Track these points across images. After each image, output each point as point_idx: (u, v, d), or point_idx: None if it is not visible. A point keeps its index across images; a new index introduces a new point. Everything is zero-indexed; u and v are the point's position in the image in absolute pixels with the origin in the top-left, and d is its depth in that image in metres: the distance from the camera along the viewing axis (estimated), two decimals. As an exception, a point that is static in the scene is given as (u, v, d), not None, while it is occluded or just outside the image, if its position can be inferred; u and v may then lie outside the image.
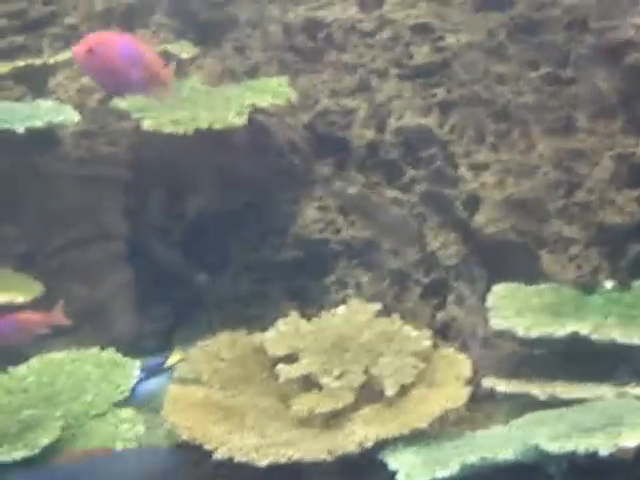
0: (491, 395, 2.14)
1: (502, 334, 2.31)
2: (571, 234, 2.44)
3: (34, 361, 2.11)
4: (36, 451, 1.87)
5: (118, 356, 2.09)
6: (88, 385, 2.02)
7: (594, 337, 2.14)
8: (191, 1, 2.87)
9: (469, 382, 2.08)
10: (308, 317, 2.27)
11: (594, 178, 2.46)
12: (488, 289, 2.34)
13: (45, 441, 1.88)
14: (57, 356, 2.08)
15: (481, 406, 2.16)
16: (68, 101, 2.63)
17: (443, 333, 2.39)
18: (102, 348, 2.12)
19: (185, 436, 1.94)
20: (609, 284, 2.34)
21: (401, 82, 2.61)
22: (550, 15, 2.55)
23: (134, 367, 2.06)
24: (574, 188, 2.47)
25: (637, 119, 2.50)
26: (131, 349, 2.15)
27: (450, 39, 2.59)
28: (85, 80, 2.71)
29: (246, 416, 2.03)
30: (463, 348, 2.32)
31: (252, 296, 2.50)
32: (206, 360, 2.15)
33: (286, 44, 2.75)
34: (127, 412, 1.96)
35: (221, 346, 2.18)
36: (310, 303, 2.44)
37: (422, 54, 2.61)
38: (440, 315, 2.42)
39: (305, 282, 2.51)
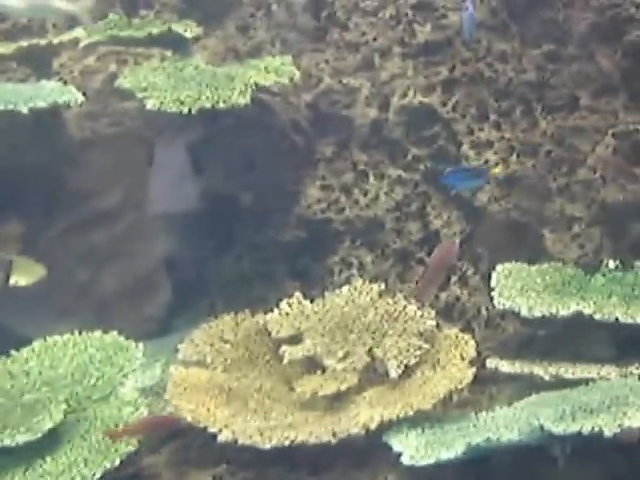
0: (494, 377, 2.06)
1: (506, 315, 2.23)
2: (573, 212, 2.34)
3: (36, 345, 2.02)
4: (39, 435, 1.78)
5: (121, 339, 2.00)
6: (91, 368, 1.94)
7: (597, 316, 2.06)
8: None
9: (473, 363, 1.99)
10: (312, 298, 2.18)
11: (596, 156, 2.36)
12: (491, 268, 2.24)
13: (48, 425, 1.80)
14: (60, 339, 1.99)
15: (484, 388, 2.08)
16: (72, 82, 2.53)
17: (447, 313, 2.30)
18: (105, 331, 2.02)
19: (189, 419, 1.86)
20: (612, 264, 2.25)
21: (404, 60, 2.51)
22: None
23: (137, 350, 1.96)
24: (576, 166, 2.37)
25: (639, 96, 2.39)
26: (134, 332, 2.05)
27: (453, 17, 2.48)
28: (89, 61, 2.60)
29: (250, 398, 1.95)
30: (467, 328, 2.24)
31: (255, 277, 2.41)
32: (209, 342, 2.06)
33: (289, 23, 2.64)
34: (130, 395, 1.87)
35: (224, 328, 2.10)
36: (313, 283, 2.35)
37: (425, 32, 2.50)
38: (443, 295, 2.33)
39: (308, 262, 2.42)
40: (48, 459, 1.79)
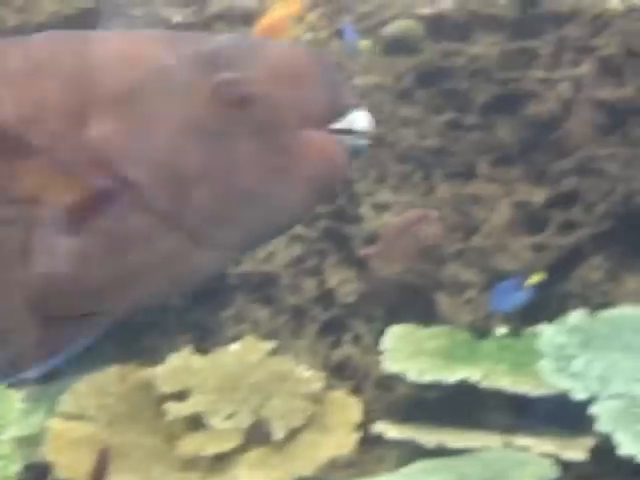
0: (382, 438, 2.01)
1: (396, 376, 2.19)
2: (467, 278, 2.33)
3: None
4: None
5: (1, 388, 1.88)
6: (-35, 419, 1.82)
7: (483, 384, 2.03)
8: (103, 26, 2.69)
9: (359, 427, 1.94)
10: (203, 351, 2.10)
11: (491, 224, 2.36)
12: (384, 329, 2.21)
13: None
14: None
15: (372, 449, 2.03)
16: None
17: (338, 372, 2.25)
18: (-16, 379, 1.90)
19: (63, 476, 1.76)
20: (502, 330, 2.24)
21: (310, 119, 2.47)
22: (455, 63, 2.45)
23: (17, 400, 1.85)
24: (471, 232, 2.36)
25: (535, 168, 2.41)
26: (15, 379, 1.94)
27: (359, 80, 2.47)
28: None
29: (130, 456, 1.86)
30: (357, 389, 2.19)
31: (146, 327, 2.32)
32: (93, 394, 1.97)
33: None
34: (4, 449, 1.76)
35: (109, 380, 2.00)
36: (206, 336, 2.28)
37: (331, 93, 2.47)
38: (336, 353, 2.28)
39: (202, 315, 2.34)
40: None
